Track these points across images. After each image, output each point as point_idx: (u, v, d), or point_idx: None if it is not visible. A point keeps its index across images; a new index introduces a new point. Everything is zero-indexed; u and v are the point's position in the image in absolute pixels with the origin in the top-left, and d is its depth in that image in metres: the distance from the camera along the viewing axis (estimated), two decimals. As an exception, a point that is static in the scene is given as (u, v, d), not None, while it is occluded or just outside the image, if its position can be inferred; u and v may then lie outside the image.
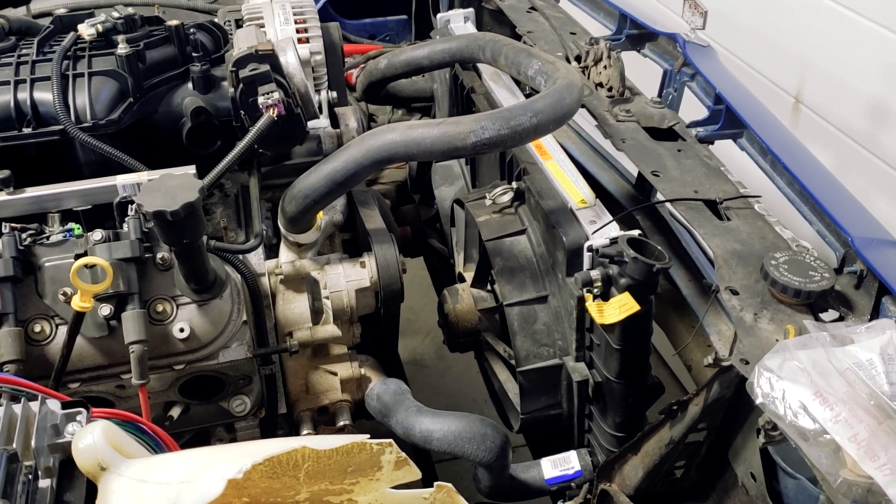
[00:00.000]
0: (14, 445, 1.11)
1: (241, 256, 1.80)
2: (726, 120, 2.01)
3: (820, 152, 2.03)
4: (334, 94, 2.14)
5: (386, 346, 2.17)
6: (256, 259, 1.89)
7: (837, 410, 1.17)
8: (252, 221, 1.87)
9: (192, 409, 1.80)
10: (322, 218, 1.92)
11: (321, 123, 2.11)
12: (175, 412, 1.76)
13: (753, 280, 1.53)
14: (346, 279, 1.93)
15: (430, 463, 2.36)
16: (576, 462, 1.84)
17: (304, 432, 1.88)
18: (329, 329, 1.91)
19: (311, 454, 1.13)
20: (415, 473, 1.23)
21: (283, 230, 1.88)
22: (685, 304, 1.91)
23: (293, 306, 1.91)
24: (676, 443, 1.57)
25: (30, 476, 1.07)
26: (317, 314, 1.92)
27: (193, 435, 1.87)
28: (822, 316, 1.46)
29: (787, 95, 3.00)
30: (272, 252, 1.97)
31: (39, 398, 1.21)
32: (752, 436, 1.45)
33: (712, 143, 2.02)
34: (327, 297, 1.92)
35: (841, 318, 1.46)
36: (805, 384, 1.21)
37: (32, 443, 1.13)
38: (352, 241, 2.16)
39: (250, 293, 1.80)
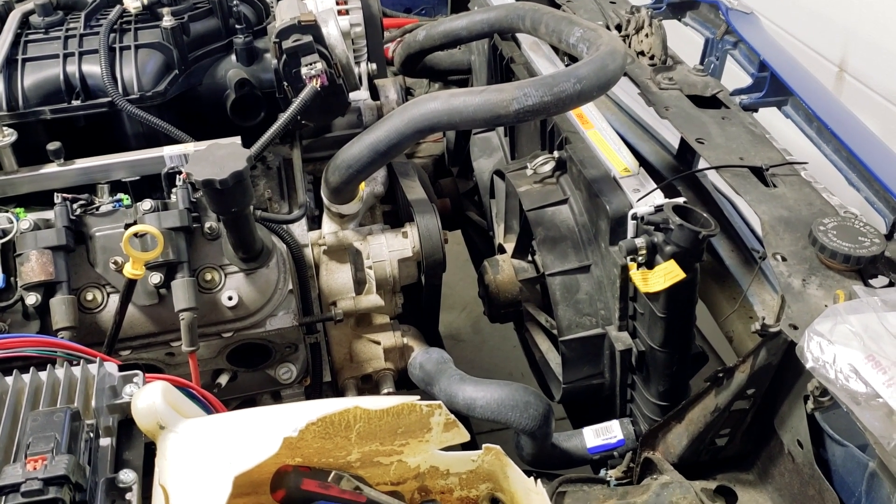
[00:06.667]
0: (76, 404, 1.14)
1: (285, 227, 1.82)
2: (771, 87, 1.98)
3: (865, 120, 1.99)
4: (374, 65, 2.15)
5: (428, 317, 2.18)
6: (300, 230, 1.91)
7: (891, 373, 1.16)
8: (296, 193, 1.88)
9: (240, 376, 1.84)
10: (364, 189, 1.93)
11: (361, 95, 2.12)
12: (223, 379, 1.80)
13: (801, 246, 1.51)
14: (388, 249, 1.94)
15: (471, 433, 2.37)
16: (618, 431, 1.84)
17: (349, 400, 1.91)
18: (372, 298, 1.93)
19: (363, 415, 1.15)
20: (463, 435, 1.25)
21: (325, 201, 1.90)
22: (726, 274, 1.90)
23: (337, 276, 1.92)
24: (721, 410, 1.56)
25: (91, 434, 1.10)
26: (360, 284, 1.94)
27: (240, 402, 1.90)
28: (872, 282, 1.45)
29: (831, 64, 2.95)
30: (315, 224, 1.99)
31: (98, 361, 1.24)
32: (799, 403, 1.44)
33: (756, 110, 2.00)
34: (370, 268, 1.93)
35: (891, 284, 1.44)
36: (857, 348, 1.20)
37: (93, 403, 1.16)
38: (392, 213, 2.17)
39: (295, 263, 1.82)
